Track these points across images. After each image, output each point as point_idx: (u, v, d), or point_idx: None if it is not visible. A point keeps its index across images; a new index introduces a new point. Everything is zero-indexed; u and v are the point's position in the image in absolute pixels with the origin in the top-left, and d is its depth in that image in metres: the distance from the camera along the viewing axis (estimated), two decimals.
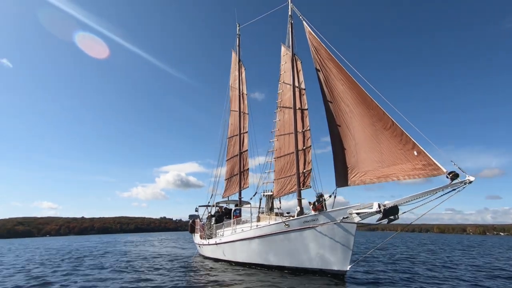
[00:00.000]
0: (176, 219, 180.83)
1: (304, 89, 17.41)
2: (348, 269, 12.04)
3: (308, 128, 16.72)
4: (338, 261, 12.17)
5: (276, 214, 15.93)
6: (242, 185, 22.41)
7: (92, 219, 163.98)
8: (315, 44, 15.97)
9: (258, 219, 16.57)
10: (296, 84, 17.52)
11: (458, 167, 9.42)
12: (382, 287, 10.84)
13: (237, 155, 23.22)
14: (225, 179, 25.02)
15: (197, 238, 23.05)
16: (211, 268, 15.79)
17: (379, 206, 10.73)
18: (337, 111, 14.72)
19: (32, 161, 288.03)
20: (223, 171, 25.16)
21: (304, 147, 16.59)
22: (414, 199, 10.22)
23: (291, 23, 18.47)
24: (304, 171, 16.21)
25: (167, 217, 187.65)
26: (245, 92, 23.88)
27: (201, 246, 21.79)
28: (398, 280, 12.18)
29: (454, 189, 9.59)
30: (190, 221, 24.71)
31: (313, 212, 13.08)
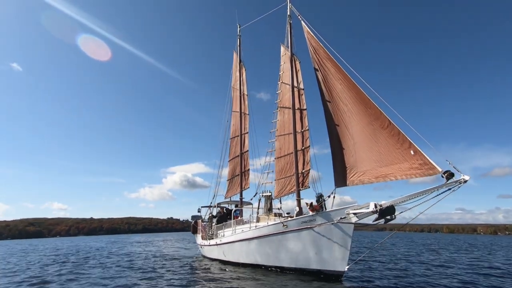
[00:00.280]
0: (183, 220, 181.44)
1: (303, 89, 17.37)
2: (346, 269, 11.95)
3: (307, 128, 16.67)
4: (335, 262, 12.09)
5: (275, 215, 15.93)
6: (243, 186, 22.46)
7: (100, 220, 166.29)
8: (313, 44, 15.91)
9: (258, 220, 16.58)
10: (295, 84, 17.49)
11: (453, 166, 9.29)
12: (379, 287, 10.75)
13: (238, 155, 23.28)
14: (227, 180, 25.12)
15: (199, 238, 23.19)
16: (211, 268, 15.89)
17: (375, 206, 10.63)
18: (336, 110, 14.64)
19: (42, 163, 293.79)
20: (226, 172, 25.31)
21: (303, 147, 16.54)
22: (410, 199, 10.11)
23: (290, 23, 18.45)
24: (303, 171, 16.17)
25: (174, 217, 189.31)
26: (245, 92, 23.94)
27: (202, 246, 21.92)
28: (395, 280, 12.08)
29: (450, 189, 9.45)
30: (193, 222, 24.88)
31: (310, 213, 13.03)
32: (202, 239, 21.76)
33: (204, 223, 22.85)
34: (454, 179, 9.25)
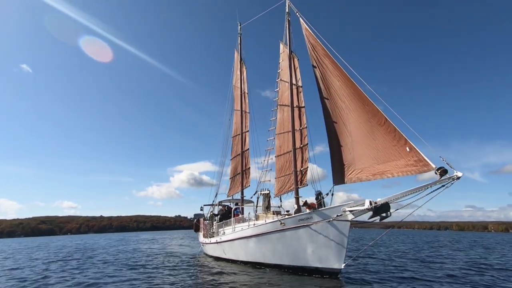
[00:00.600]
0: (191, 217, 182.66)
1: (301, 87, 17.29)
2: (342, 267, 11.92)
3: (305, 126, 16.60)
4: (332, 259, 12.06)
5: (273, 213, 15.95)
6: (244, 184, 22.54)
7: (110, 218, 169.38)
8: (311, 41, 15.80)
9: (257, 218, 16.64)
10: (294, 81, 17.42)
11: (447, 163, 9.15)
12: (376, 285, 10.68)
13: (239, 154, 23.36)
14: (230, 178, 25.22)
15: (201, 237, 23.40)
16: (210, 266, 16.04)
17: (370, 204, 10.57)
18: (334, 107, 14.54)
19: (53, 163, 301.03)
20: (228, 170, 25.41)
21: (302, 145, 16.49)
22: (405, 196, 10.01)
23: (288, 20, 18.34)
24: (302, 169, 16.14)
25: (182, 215, 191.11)
26: (246, 91, 23.95)
27: (204, 244, 22.12)
28: (392, 278, 11.99)
29: (443, 185, 9.33)
30: (195, 220, 25.11)
31: (307, 211, 13.02)
32: (204, 237, 21.96)
33: (206, 221, 23.05)
34: (448, 175, 9.13)
